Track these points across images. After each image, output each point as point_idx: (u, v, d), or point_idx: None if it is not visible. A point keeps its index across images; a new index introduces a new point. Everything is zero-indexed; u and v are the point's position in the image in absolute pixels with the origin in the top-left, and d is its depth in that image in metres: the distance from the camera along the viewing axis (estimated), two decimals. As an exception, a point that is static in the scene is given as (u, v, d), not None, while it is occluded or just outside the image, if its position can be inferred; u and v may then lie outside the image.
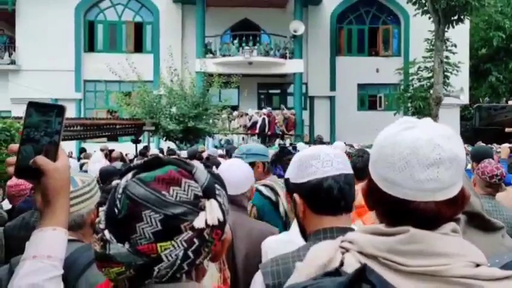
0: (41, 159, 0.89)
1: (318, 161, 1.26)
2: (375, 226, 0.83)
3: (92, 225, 1.46)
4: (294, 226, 1.41)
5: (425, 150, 0.77)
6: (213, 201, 0.74)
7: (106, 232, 0.72)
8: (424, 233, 0.77)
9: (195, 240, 0.71)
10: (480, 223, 1.57)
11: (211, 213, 0.72)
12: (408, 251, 0.76)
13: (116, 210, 0.72)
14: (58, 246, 0.89)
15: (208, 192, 0.74)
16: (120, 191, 0.73)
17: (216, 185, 0.76)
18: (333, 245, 0.84)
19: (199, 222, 0.71)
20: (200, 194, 0.73)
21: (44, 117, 0.91)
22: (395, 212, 0.80)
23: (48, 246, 0.88)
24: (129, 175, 0.75)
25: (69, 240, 1.13)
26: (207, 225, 0.72)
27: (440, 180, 0.77)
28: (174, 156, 0.83)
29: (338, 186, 1.24)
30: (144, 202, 0.70)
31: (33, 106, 0.91)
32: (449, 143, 0.78)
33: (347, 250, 0.81)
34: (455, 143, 0.79)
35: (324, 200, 1.24)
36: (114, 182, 0.76)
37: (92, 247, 1.38)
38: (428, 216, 0.78)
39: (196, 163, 0.78)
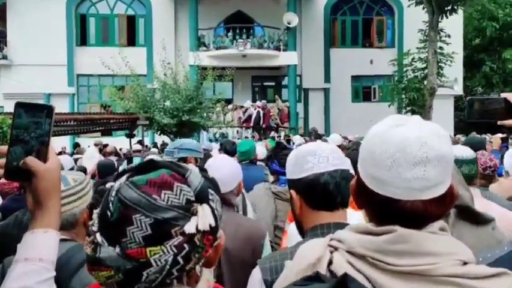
0: (31, 161, 0.89)
1: (314, 157, 1.28)
2: (363, 225, 0.83)
3: (85, 224, 1.45)
4: None
5: (412, 149, 0.76)
6: (205, 206, 0.73)
7: (98, 235, 0.72)
8: (412, 232, 0.77)
9: (185, 245, 0.70)
10: (470, 216, 1.58)
11: (202, 218, 0.71)
12: (396, 250, 0.76)
13: (109, 213, 0.71)
14: (50, 248, 0.89)
15: (201, 197, 0.73)
16: (113, 194, 0.72)
17: (210, 190, 0.75)
18: (322, 243, 0.84)
19: (190, 227, 0.70)
20: (192, 198, 0.72)
21: (34, 119, 0.90)
22: (383, 210, 0.80)
23: (40, 249, 0.88)
24: (123, 178, 0.75)
25: (62, 240, 1.13)
26: (197, 230, 0.71)
27: (427, 179, 0.76)
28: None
29: (334, 182, 1.25)
30: (135, 206, 0.70)
31: (22, 106, 0.90)
32: (438, 141, 0.77)
33: (336, 249, 0.81)
34: (443, 141, 0.78)
35: (320, 195, 1.26)
36: (108, 185, 0.76)
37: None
38: (416, 215, 0.77)
39: (191, 166, 0.77)
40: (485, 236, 1.54)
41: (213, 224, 0.73)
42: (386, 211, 0.79)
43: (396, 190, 0.77)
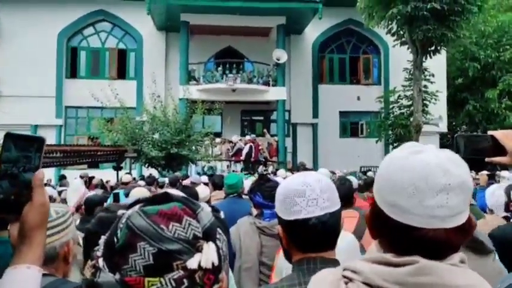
0: (40, 179, 0.89)
1: (303, 199, 1.23)
2: (380, 255, 0.79)
3: (66, 258, 1.40)
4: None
5: (435, 176, 0.75)
6: (211, 244, 0.72)
7: (100, 260, 0.71)
8: (434, 264, 0.74)
9: (184, 280, 0.69)
10: (473, 244, 1.58)
11: (206, 255, 0.70)
12: (417, 283, 0.73)
13: (116, 239, 0.71)
14: (31, 285, 0.87)
15: (208, 235, 0.73)
16: (123, 220, 0.73)
17: (218, 229, 0.75)
18: (335, 274, 0.80)
19: (192, 263, 0.69)
20: (200, 234, 0.72)
21: (23, 153, 0.89)
22: (403, 240, 0.77)
23: (21, 286, 0.86)
24: (136, 207, 0.75)
25: (42, 275, 1.09)
26: (200, 267, 0.70)
27: (449, 207, 0.75)
28: (181, 194, 0.81)
29: (322, 227, 1.21)
30: (142, 233, 0.69)
31: (11, 138, 0.88)
32: (458, 168, 0.77)
33: (350, 280, 0.78)
34: (463, 168, 0.78)
35: (308, 240, 1.23)
36: (120, 212, 0.76)
37: (65, 281, 1.33)
38: (438, 244, 0.75)
39: (204, 205, 0.77)
40: (488, 267, 1.53)
41: (216, 263, 0.71)
42: (406, 240, 0.76)
43: (418, 218, 0.75)
